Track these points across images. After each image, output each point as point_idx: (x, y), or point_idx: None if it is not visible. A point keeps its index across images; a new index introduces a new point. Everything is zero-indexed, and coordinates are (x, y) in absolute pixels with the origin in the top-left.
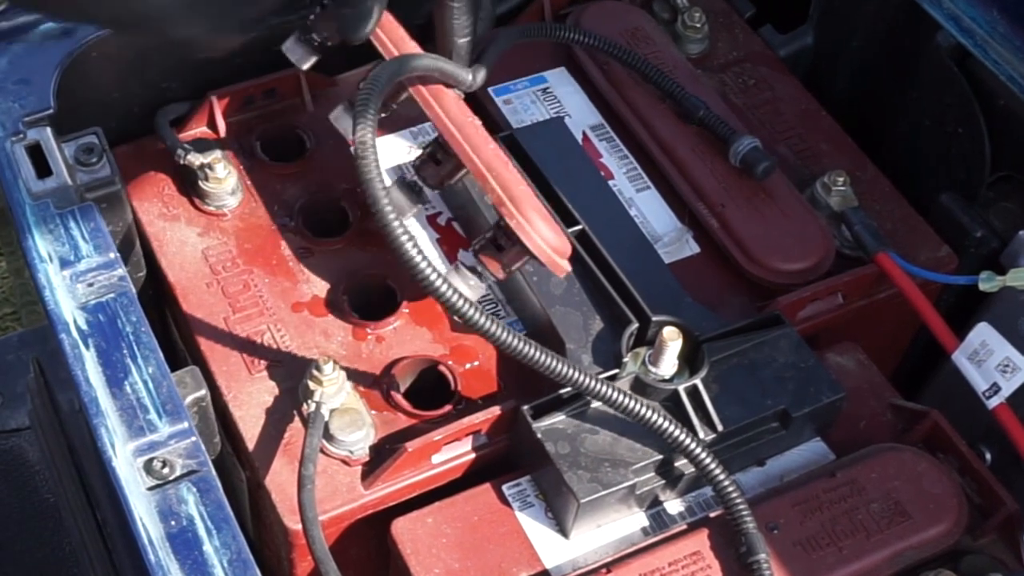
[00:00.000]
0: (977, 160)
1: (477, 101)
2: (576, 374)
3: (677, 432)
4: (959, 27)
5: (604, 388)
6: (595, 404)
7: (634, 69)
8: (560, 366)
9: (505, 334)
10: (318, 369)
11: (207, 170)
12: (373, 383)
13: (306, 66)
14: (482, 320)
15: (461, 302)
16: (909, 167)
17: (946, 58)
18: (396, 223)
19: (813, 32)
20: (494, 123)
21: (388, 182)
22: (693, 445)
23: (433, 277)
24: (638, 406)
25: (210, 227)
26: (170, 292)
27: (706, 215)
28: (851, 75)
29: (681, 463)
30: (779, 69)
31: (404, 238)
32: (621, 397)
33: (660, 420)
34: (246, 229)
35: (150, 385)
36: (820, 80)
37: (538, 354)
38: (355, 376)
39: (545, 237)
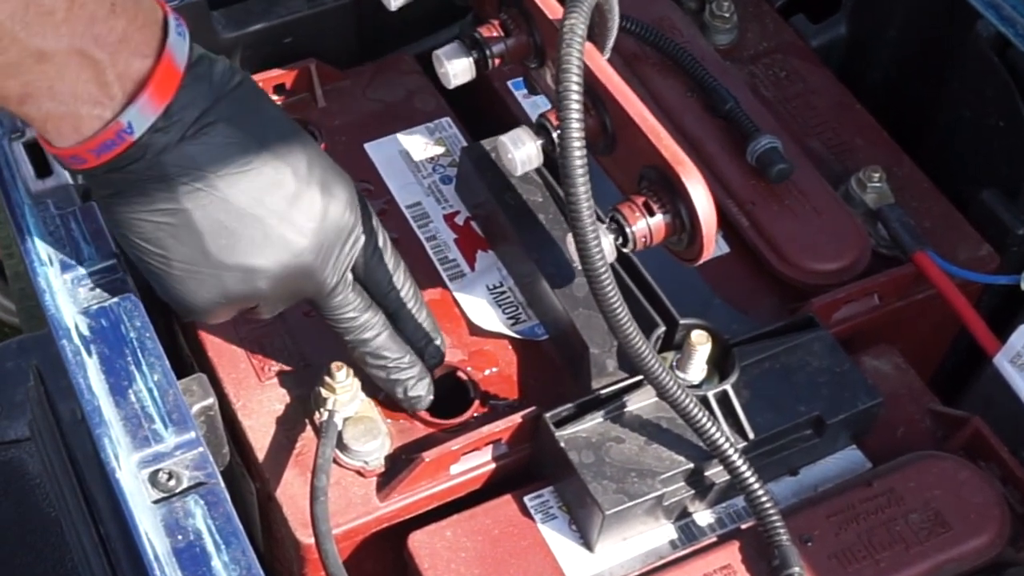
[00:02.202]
0: (1019, 155)
1: (495, 94)
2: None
3: (715, 434)
4: (1000, 16)
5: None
6: (623, 411)
7: (667, 55)
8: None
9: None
10: (331, 376)
11: None
12: None
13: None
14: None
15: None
16: (948, 162)
17: (986, 48)
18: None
19: (847, 22)
20: (513, 117)
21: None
22: (730, 451)
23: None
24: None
25: None
26: None
27: (735, 213)
28: (886, 66)
29: (711, 472)
30: (811, 60)
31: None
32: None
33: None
34: None
35: (155, 393)
36: (854, 72)
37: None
38: (369, 383)
39: (710, 209)
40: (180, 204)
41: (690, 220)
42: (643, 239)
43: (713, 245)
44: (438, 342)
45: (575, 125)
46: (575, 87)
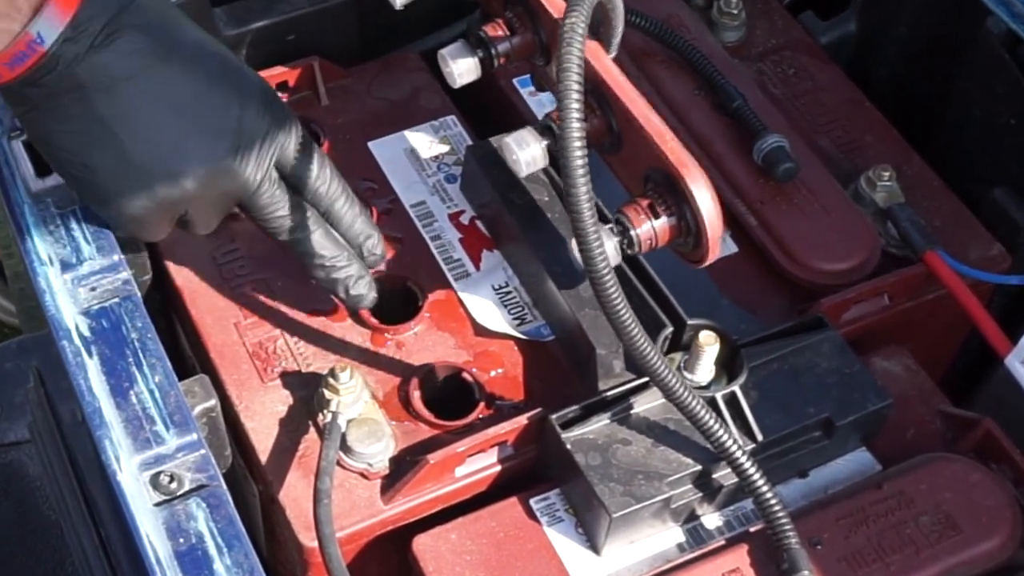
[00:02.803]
0: None
1: (501, 92)
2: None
3: (723, 436)
4: (1010, 12)
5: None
6: (630, 412)
7: (676, 51)
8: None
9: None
10: (334, 377)
11: None
12: (393, 392)
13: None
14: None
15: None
16: (958, 160)
17: (997, 45)
18: (608, 277)
19: (856, 18)
20: (519, 115)
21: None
22: (738, 453)
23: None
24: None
25: (221, 228)
26: (178, 297)
27: (744, 212)
28: (896, 63)
29: (719, 474)
30: (820, 57)
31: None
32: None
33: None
34: (259, 230)
35: (157, 395)
36: (863, 69)
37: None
38: (374, 384)
39: (715, 212)
40: (96, 112)
41: (695, 223)
42: (648, 242)
43: (719, 248)
44: (375, 239)
45: (575, 124)
46: (575, 86)
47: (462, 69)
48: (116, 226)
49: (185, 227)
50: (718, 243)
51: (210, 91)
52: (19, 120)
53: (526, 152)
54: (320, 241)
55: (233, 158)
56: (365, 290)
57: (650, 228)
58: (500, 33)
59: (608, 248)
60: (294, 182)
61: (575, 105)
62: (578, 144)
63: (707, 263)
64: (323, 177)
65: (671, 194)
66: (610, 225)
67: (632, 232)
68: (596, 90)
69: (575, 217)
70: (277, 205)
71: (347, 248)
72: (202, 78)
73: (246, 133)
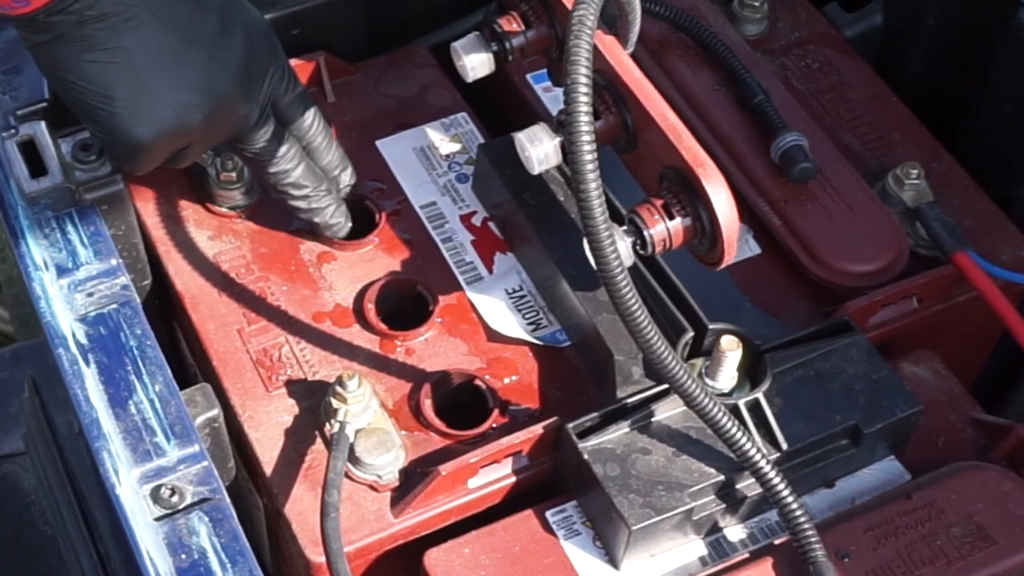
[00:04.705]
0: None
1: (514, 88)
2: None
3: (746, 445)
4: None
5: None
6: (650, 421)
7: (700, 43)
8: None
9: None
10: (342, 385)
11: (218, 167)
12: (403, 400)
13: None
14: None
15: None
16: (989, 158)
17: None
18: (626, 285)
19: (883, 11)
20: (533, 111)
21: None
22: (762, 463)
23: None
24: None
25: (222, 230)
26: (178, 302)
27: (767, 212)
28: (924, 58)
29: (743, 485)
30: (846, 52)
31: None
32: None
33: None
34: (261, 232)
35: (157, 405)
36: (890, 63)
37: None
38: (383, 393)
39: (732, 213)
40: (121, 42)
41: (710, 224)
42: (662, 243)
43: (735, 250)
44: (349, 170)
45: (583, 119)
46: (583, 80)
47: (475, 63)
48: (122, 158)
49: (173, 161)
50: (734, 245)
51: (220, 25)
52: (33, 52)
53: (538, 149)
54: (304, 173)
55: (240, 91)
56: (342, 219)
57: (664, 229)
58: (515, 27)
59: (621, 249)
60: (282, 116)
61: (583, 99)
62: (587, 139)
63: (723, 265)
64: (308, 114)
65: (686, 194)
66: (625, 226)
67: (645, 232)
68: (611, 86)
69: (586, 216)
70: (271, 138)
71: (324, 179)
72: (213, 12)
73: (252, 67)
